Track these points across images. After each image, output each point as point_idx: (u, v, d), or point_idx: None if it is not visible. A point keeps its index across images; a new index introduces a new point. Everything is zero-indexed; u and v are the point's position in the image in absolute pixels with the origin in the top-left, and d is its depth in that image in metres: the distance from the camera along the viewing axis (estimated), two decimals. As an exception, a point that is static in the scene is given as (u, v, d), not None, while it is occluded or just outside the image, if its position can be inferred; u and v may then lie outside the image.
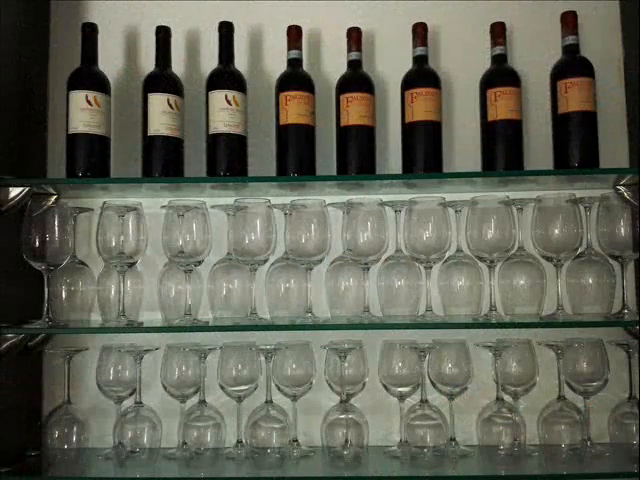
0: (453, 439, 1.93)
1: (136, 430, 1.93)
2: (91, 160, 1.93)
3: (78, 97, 1.93)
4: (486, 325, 1.90)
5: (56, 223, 1.92)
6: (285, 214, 1.96)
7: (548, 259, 1.94)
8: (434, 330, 1.96)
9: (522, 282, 1.98)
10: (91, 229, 2.07)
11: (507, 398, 1.94)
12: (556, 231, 1.93)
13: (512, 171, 1.92)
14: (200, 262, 1.96)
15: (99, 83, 1.96)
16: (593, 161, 1.91)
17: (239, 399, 1.95)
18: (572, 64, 1.95)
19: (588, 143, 1.91)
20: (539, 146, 2.05)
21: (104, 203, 1.94)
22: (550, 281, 1.97)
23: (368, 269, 1.95)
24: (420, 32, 1.99)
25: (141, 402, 1.95)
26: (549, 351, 1.95)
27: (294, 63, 2.01)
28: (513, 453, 1.89)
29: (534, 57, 2.10)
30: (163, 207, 1.96)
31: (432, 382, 1.95)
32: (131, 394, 1.97)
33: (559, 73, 1.95)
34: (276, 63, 2.07)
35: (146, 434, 1.94)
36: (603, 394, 1.97)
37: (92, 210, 2.05)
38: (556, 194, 1.94)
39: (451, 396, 1.94)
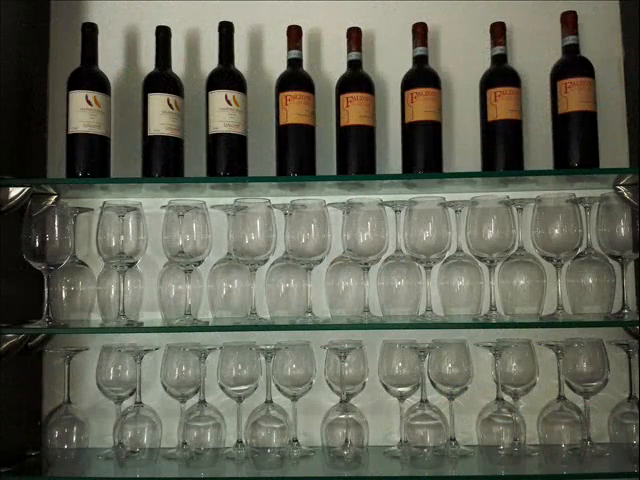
0: (453, 439, 1.93)
1: (136, 430, 1.93)
2: (91, 160, 1.94)
3: (78, 97, 1.93)
4: (486, 325, 1.90)
5: (56, 223, 1.92)
6: (285, 214, 1.96)
7: (548, 259, 1.94)
8: (434, 330, 1.96)
9: (522, 282, 1.98)
10: (91, 229, 2.08)
11: (507, 398, 1.94)
12: (556, 231, 1.93)
13: (512, 171, 1.92)
14: (200, 262, 1.96)
15: (99, 83, 1.96)
16: (593, 161, 1.91)
17: (239, 399, 1.95)
18: (572, 64, 1.95)
19: (588, 143, 1.91)
20: (539, 146, 2.05)
21: (104, 203, 1.94)
22: (550, 281, 1.97)
23: (368, 269, 1.95)
24: (420, 32, 1.99)
25: (141, 402, 1.95)
26: (549, 351, 1.95)
27: (294, 63, 2.01)
28: (513, 453, 1.89)
29: (534, 57, 2.10)
30: (163, 207, 1.96)
31: (432, 382, 1.95)
32: (131, 394, 1.97)
33: (559, 73, 1.95)
34: (276, 63, 2.07)
35: (146, 434, 1.93)
36: (603, 394, 1.97)
37: (92, 210, 2.05)
38: (556, 194, 1.94)
39: (451, 396, 1.94)
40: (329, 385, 1.99)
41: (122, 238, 1.93)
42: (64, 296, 2.01)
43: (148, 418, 1.94)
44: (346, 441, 1.90)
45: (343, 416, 1.91)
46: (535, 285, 1.98)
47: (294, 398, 1.96)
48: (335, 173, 1.98)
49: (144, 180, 1.94)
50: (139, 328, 1.94)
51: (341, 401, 1.93)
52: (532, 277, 1.98)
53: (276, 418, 1.93)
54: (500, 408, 1.92)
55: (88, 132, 1.92)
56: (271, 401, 1.94)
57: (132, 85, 2.12)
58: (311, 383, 1.97)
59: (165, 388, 1.98)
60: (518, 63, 2.08)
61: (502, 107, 1.93)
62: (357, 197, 1.98)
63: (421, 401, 1.94)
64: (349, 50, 2.02)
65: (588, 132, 1.92)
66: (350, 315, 1.98)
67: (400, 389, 1.95)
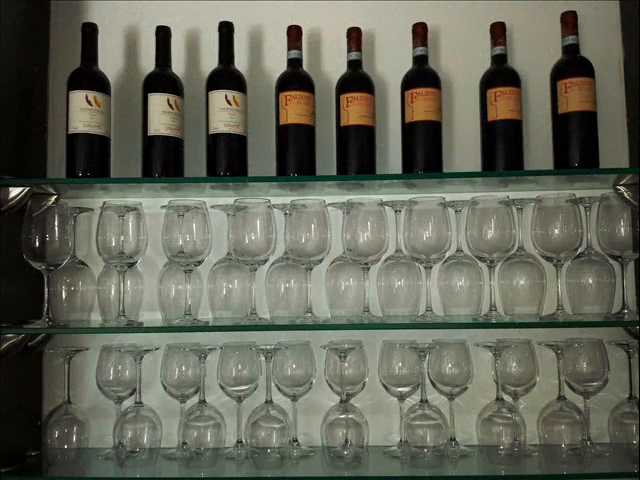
0: (453, 439, 1.93)
1: (136, 430, 1.93)
2: (91, 160, 1.94)
3: (78, 97, 1.93)
4: (486, 325, 1.90)
5: (56, 223, 1.92)
6: (285, 214, 1.96)
7: (548, 259, 1.94)
8: (434, 330, 1.96)
9: (522, 282, 1.98)
10: (91, 229, 2.08)
11: (507, 398, 1.94)
12: (556, 231, 1.93)
13: (512, 171, 1.92)
14: (200, 262, 1.96)
15: (99, 83, 1.96)
16: (593, 161, 1.91)
17: (239, 399, 1.95)
18: (572, 64, 1.95)
19: (588, 143, 1.91)
20: (539, 146, 2.05)
21: (104, 203, 1.94)
22: (550, 281, 1.97)
23: (368, 269, 1.95)
24: (420, 32, 1.99)
25: (141, 402, 1.95)
26: (549, 351, 1.95)
27: (294, 63, 2.01)
28: (513, 453, 1.89)
29: (534, 57, 2.11)
30: (163, 207, 1.96)
31: (432, 382, 1.95)
32: (131, 394, 1.98)
33: (559, 73, 1.95)
34: (276, 63, 2.08)
35: (146, 434, 1.93)
36: (603, 394, 1.97)
37: (92, 210, 2.05)
38: (556, 194, 1.94)
39: (451, 396, 1.94)
40: (329, 385, 1.99)
41: (122, 238, 1.93)
42: (64, 296, 2.01)
43: (148, 418, 1.94)
44: (346, 441, 1.90)
45: (343, 416, 1.91)
46: (535, 285, 1.98)
47: (294, 398, 1.96)
48: (335, 173, 1.98)
49: (144, 180, 1.94)
50: (139, 328, 1.94)
51: (341, 401, 1.93)
52: (532, 277, 1.98)
53: (276, 418, 1.93)
54: (500, 408, 1.92)
55: (88, 132, 1.92)
56: (271, 401, 1.94)
57: (132, 85, 2.12)
58: (311, 383, 1.97)
59: (165, 388, 1.98)
60: (518, 63, 2.08)
61: (502, 107, 1.93)
62: (357, 197, 1.98)
63: (421, 401, 1.94)
64: (349, 50, 2.02)
65: (588, 132, 1.92)
66: (350, 315, 1.98)
67: (400, 389, 1.95)
